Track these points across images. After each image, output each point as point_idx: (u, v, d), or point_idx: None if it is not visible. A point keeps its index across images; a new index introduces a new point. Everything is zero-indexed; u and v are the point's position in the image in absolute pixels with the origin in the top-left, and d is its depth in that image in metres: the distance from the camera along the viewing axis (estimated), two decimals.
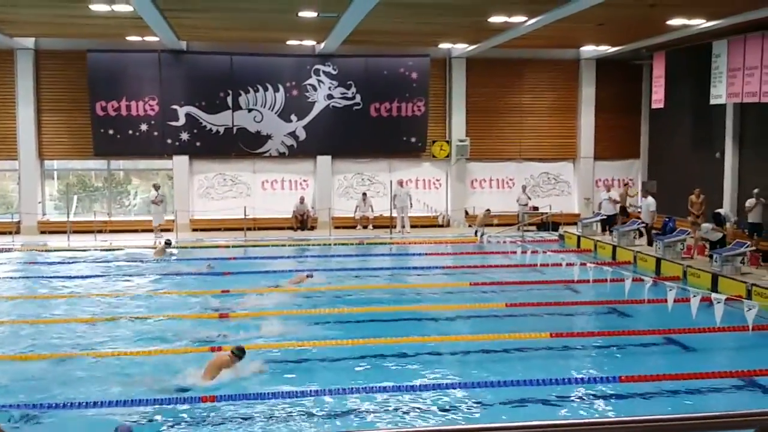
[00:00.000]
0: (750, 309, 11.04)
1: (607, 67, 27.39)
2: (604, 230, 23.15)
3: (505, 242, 18.89)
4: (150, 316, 13.93)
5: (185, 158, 25.70)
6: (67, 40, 24.23)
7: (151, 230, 24.09)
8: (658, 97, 25.07)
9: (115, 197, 26.83)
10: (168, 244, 20.74)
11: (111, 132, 24.94)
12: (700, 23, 19.73)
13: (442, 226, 26.14)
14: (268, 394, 9.56)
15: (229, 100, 25.57)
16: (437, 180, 27.47)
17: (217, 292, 15.60)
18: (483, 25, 20.14)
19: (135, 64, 25.04)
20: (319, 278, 17.10)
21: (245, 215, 24.33)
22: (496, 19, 19.07)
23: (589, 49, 26.41)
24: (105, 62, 24.79)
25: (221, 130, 25.64)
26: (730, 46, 20.93)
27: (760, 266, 16.77)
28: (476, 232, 22.08)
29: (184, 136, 25.41)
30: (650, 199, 22.88)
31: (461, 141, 26.82)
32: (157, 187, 24.35)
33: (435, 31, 21.98)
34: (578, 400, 9.76)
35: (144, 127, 25.15)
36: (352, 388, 9.84)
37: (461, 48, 25.56)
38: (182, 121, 25.39)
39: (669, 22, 19.74)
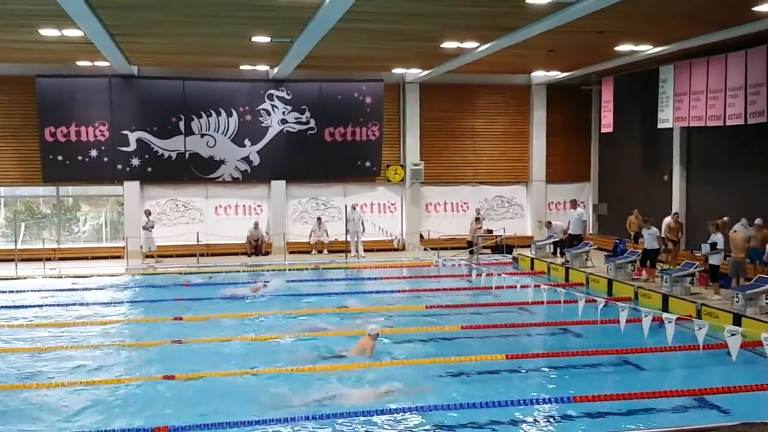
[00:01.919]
0: (700, 328, 11.22)
1: (557, 92, 27.85)
2: (555, 252, 23.42)
3: (460, 265, 19.00)
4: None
5: (136, 184, 25.34)
6: (15, 65, 23.76)
7: (102, 257, 23.88)
8: (607, 122, 25.57)
9: (64, 224, 26.31)
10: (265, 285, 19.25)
11: (60, 158, 24.50)
12: (647, 49, 20.21)
13: (397, 249, 26.26)
14: (215, 424, 9.38)
15: (182, 125, 25.34)
16: (392, 204, 27.51)
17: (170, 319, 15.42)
18: (436, 51, 20.35)
19: (85, 89, 24.67)
20: (275, 303, 16.91)
21: (198, 241, 24.06)
22: (448, 45, 19.30)
23: (539, 75, 26.83)
24: (54, 87, 24.39)
25: (173, 155, 25.37)
26: (676, 71, 21.46)
27: (708, 286, 17.08)
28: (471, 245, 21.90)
29: (135, 161, 25.08)
30: (580, 210, 23.16)
31: (415, 165, 26.96)
32: (148, 214, 24.06)
33: (388, 56, 22.13)
34: (533, 421, 9.78)
35: (94, 152, 24.76)
36: (306, 416, 9.73)
37: (415, 73, 25.77)
38: (133, 146, 25.06)
39: (617, 48, 20.18)
